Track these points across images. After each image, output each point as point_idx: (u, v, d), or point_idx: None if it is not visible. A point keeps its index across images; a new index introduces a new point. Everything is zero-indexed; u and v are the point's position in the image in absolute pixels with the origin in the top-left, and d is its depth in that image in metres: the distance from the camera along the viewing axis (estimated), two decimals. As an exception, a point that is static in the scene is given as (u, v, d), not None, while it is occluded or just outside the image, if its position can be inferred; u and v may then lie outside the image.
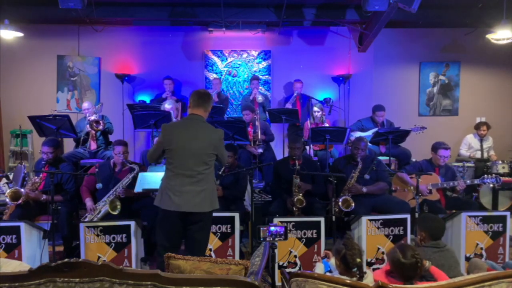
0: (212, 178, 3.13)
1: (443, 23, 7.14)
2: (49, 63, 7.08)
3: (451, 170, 4.70)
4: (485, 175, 4.50)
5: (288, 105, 6.45)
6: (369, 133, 5.80)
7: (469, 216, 3.94)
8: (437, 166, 4.61)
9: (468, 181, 4.52)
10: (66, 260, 1.78)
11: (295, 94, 6.53)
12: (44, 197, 4.09)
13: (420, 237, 2.99)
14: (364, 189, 4.33)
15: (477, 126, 6.47)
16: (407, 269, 2.30)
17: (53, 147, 4.30)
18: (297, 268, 3.72)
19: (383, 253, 3.82)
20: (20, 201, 3.96)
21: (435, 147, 4.61)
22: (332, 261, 2.71)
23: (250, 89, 6.91)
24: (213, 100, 6.39)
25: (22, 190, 3.99)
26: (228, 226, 3.88)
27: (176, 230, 3.03)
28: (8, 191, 4.05)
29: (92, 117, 5.39)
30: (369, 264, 3.80)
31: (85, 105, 5.81)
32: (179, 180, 2.98)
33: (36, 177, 4.17)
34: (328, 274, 2.60)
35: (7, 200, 3.97)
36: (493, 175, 4.58)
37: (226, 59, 7.28)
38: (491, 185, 5.06)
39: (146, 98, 7.09)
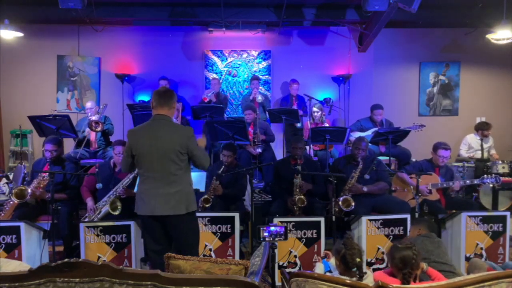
0: (188, 179, 3.02)
1: (443, 23, 7.14)
2: (49, 63, 7.08)
3: (450, 172, 4.70)
4: (485, 175, 4.50)
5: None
6: (369, 133, 5.80)
7: (469, 216, 3.94)
8: (437, 166, 4.61)
9: (468, 181, 4.52)
10: (66, 260, 1.78)
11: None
12: (48, 195, 4.08)
13: (415, 233, 3.11)
14: (365, 189, 4.33)
15: (484, 127, 6.32)
16: (402, 256, 2.30)
17: (57, 145, 4.33)
18: (297, 268, 3.72)
19: (383, 253, 3.82)
20: (26, 199, 3.97)
21: (436, 147, 4.61)
22: (332, 261, 2.71)
23: (250, 89, 6.91)
24: (211, 99, 6.41)
25: (29, 188, 4.00)
26: (228, 226, 3.87)
27: (160, 233, 2.98)
28: (15, 189, 4.06)
29: (93, 117, 5.40)
30: (369, 264, 3.80)
31: (88, 104, 5.82)
32: (151, 184, 2.92)
33: (43, 174, 4.17)
34: (328, 274, 2.60)
35: (13, 198, 3.98)
36: (493, 175, 4.57)
37: (226, 59, 7.28)
38: (491, 185, 5.05)
39: (146, 98, 7.09)
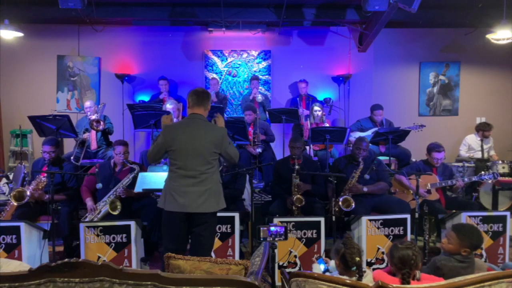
0: (217, 178, 3.08)
1: (443, 23, 7.14)
2: (49, 63, 7.08)
3: (448, 169, 4.72)
4: (483, 172, 4.51)
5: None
6: (369, 133, 5.81)
7: (469, 216, 3.94)
8: (434, 166, 4.61)
9: (466, 179, 4.52)
10: (66, 260, 1.78)
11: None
12: (47, 196, 4.08)
13: (458, 249, 2.66)
14: (365, 189, 4.33)
15: (485, 128, 6.27)
16: (402, 256, 2.29)
17: (55, 146, 4.32)
18: (297, 268, 3.72)
19: (383, 253, 3.82)
20: (24, 201, 3.95)
21: (429, 150, 4.64)
22: (332, 263, 2.70)
23: (250, 89, 6.92)
24: (212, 99, 6.42)
25: (27, 190, 3.98)
26: (228, 226, 3.88)
27: (181, 232, 3.01)
28: (13, 191, 4.04)
29: (93, 116, 5.40)
30: (369, 264, 3.80)
31: (87, 104, 5.82)
32: (182, 181, 2.96)
33: (41, 176, 4.16)
34: (327, 274, 2.59)
35: (11, 200, 3.96)
36: (490, 171, 4.58)
37: (226, 59, 7.28)
38: (489, 181, 5.03)
39: (146, 98, 7.09)
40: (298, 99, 6.63)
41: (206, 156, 2.97)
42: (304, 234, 3.76)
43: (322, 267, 2.77)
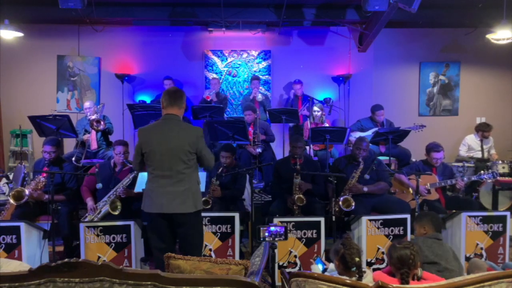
0: (195, 178, 3.07)
1: (443, 23, 7.14)
2: (49, 63, 7.08)
3: (448, 168, 4.72)
4: (482, 171, 4.51)
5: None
6: (369, 133, 5.80)
7: (469, 216, 3.94)
8: (434, 166, 4.61)
9: (465, 178, 4.53)
10: (66, 260, 1.78)
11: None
12: (46, 196, 4.08)
13: (421, 232, 3.05)
14: (365, 189, 4.33)
15: (485, 129, 6.26)
16: (400, 256, 2.30)
17: (55, 146, 4.32)
18: (297, 268, 3.72)
19: (383, 253, 3.82)
20: (23, 201, 3.94)
21: (428, 149, 4.65)
22: (331, 265, 2.70)
23: (250, 89, 6.92)
24: (212, 99, 6.43)
25: (26, 190, 3.98)
26: (228, 226, 3.88)
27: (166, 231, 3.02)
28: (12, 191, 4.04)
29: (93, 116, 5.40)
30: (369, 264, 3.80)
31: (87, 104, 5.82)
32: (159, 182, 2.97)
33: (40, 176, 4.16)
34: (327, 274, 2.59)
35: (10, 200, 3.96)
36: (490, 170, 4.58)
37: (226, 59, 7.28)
38: (489, 181, 5.04)
39: (146, 98, 7.09)
40: (293, 98, 6.65)
41: (180, 156, 2.95)
42: (304, 234, 3.76)
43: (320, 266, 2.77)
